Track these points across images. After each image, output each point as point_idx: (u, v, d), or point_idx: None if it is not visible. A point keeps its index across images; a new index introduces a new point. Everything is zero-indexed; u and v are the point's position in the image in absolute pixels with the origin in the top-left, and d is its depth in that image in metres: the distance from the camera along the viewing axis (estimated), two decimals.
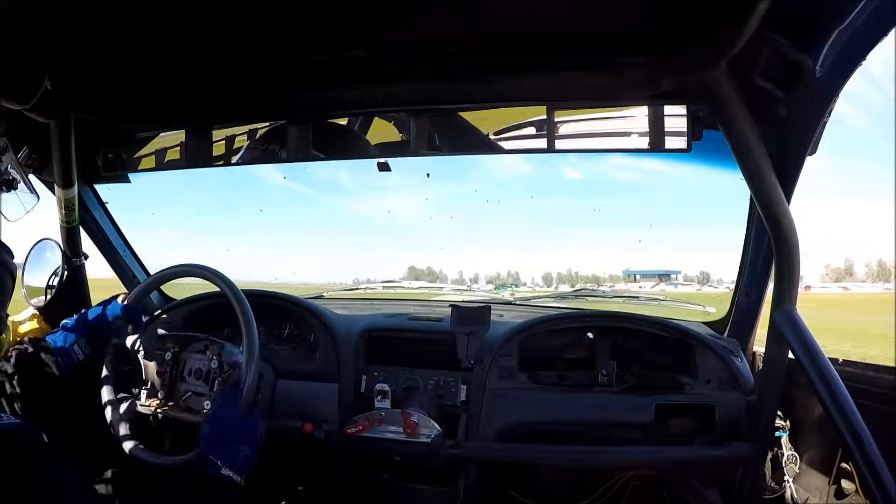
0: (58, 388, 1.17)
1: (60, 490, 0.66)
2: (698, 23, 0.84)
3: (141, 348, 1.26)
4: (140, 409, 1.23)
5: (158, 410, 1.22)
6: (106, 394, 1.22)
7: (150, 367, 1.25)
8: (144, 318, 1.36)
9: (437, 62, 1.07)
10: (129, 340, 1.26)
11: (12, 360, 1.10)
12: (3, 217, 0.87)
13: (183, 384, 1.23)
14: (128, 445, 1.16)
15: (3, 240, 0.84)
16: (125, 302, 1.29)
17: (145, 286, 1.33)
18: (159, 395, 1.23)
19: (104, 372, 1.24)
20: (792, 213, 1.07)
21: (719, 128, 1.01)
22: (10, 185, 0.86)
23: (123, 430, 1.18)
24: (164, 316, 1.56)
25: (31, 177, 1.01)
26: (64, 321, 1.23)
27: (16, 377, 1.10)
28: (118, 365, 1.25)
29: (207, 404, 1.17)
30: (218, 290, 1.26)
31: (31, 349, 1.13)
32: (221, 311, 1.33)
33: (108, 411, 1.20)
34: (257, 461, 1.02)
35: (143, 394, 1.24)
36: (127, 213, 1.72)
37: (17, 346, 1.14)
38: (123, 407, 1.21)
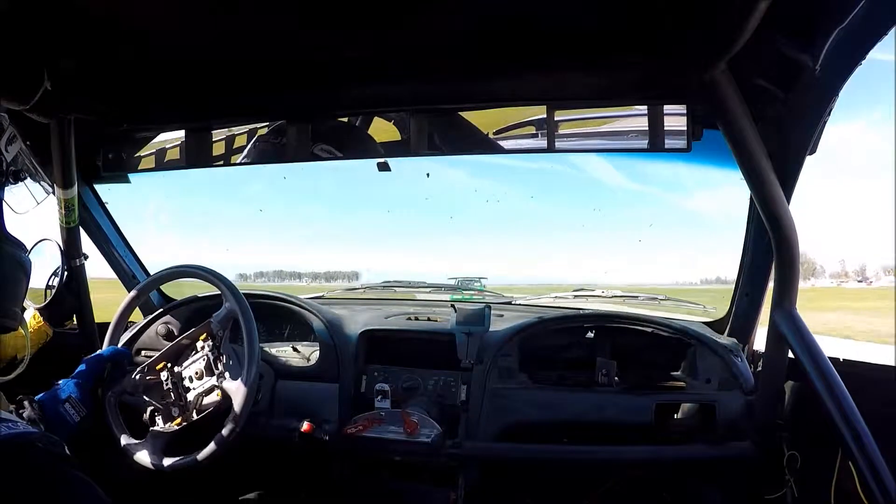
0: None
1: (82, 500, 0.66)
2: (698, 23, 0.84)
3: (141, 385, 1.25)
4: (166, 432, 1.22)
5: (184, 424, 1.22)
6: (124, 441, 1.23)
7: (154, 397, 1.26)
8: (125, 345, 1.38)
9: (437, 62, 1.07)
10: (125, 384, 1.26)
11: None
12: (11, 210, 0.85)
13: (192, 391, 1.23)
14: (167, 462, 1.20)
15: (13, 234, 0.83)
16: (107, 346, 1.30)
17: (118, 319, 1.37)
18: (174, 413, 1.24)
19: (113, 425, 1.24)
20: (792, 213, 1.07)
21: (719, 127, 1.01)
22: (17, 177, 0.85)
23: (155, 460, 1.20)
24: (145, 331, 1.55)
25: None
26: (59, 382, 1.15)
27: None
28: (122, 412, 1.26)
29: (239, 379, 1.19)
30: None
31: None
32: None
33: (136, 456, 1.21)
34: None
35: (160, 420, 1.24)
36: (128, 212, 1.72)
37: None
38: (147, 444, 1.22)
